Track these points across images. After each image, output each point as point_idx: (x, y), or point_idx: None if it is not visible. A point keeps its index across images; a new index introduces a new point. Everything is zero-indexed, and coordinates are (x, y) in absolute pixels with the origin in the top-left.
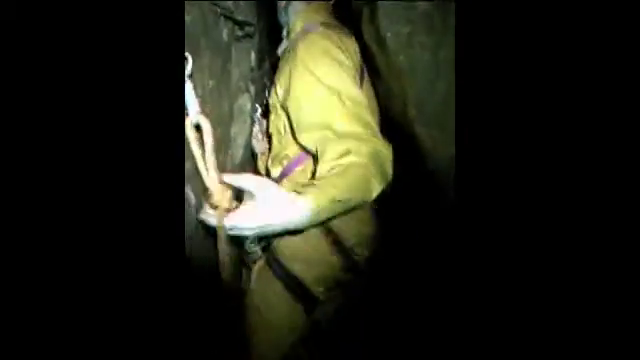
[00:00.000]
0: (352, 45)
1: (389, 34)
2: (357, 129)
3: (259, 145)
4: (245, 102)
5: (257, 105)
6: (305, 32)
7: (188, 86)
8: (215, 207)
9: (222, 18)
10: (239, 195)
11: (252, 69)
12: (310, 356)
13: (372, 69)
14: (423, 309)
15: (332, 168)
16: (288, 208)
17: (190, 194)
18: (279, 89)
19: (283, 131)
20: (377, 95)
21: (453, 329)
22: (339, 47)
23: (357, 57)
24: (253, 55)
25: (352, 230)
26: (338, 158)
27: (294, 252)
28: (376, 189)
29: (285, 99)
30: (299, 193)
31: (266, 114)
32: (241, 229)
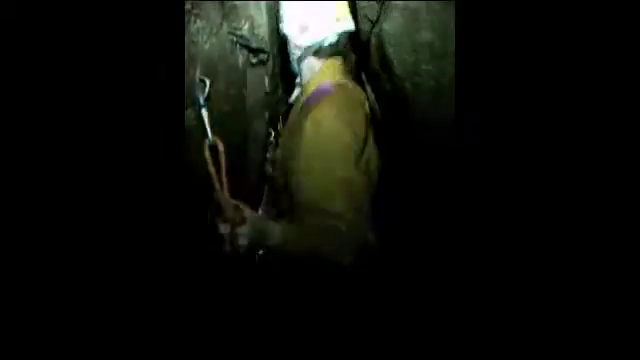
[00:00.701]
0: (361, 114)
1: (395, 62)
2: (351, 215)
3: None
4: (260, 126)
5: (271, 130)
6: (319, 94)
7: (204, 110)
8: (228, 222)
9: (238, 46)
10: None
11: (266, 94)
12: None
13: (379, 95)
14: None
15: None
16: (265, 229)
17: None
18: (286, 147)
19: (281, 189)
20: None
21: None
22: (349, 125)
23: (366, 122)
24: (267, 81)
25: None
26: (334, 217)
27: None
28: (347, 257)
29: (288, 166)
30: (277, 221)
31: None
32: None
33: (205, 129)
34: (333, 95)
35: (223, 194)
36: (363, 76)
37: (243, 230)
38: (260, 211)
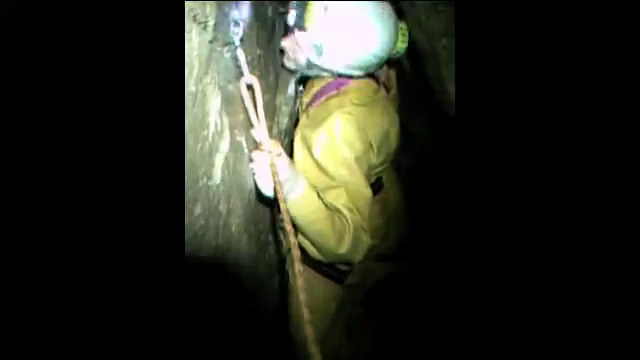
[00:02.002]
0: (379, 107)
1: (428, 22)
2: (355, 211)
3: None
4: (287, 77)
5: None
6: (337, 88)
7: (240, 50)
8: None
9: None
10: None
11: None
12: (350, 327)
13: (413, 55)
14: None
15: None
16: (296, 172)
17: (244, 143)
18: (302, 132)
19: None
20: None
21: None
22: (362, 133)
23: (382, 113)
24: None
25: None
26: (336, 203)
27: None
28: (343, 247)
29: (304, 155)
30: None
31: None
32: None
33: (241, 68)
34: (351, 96)
35: (260, 127)
36: None
37: (282, 162)
38: None
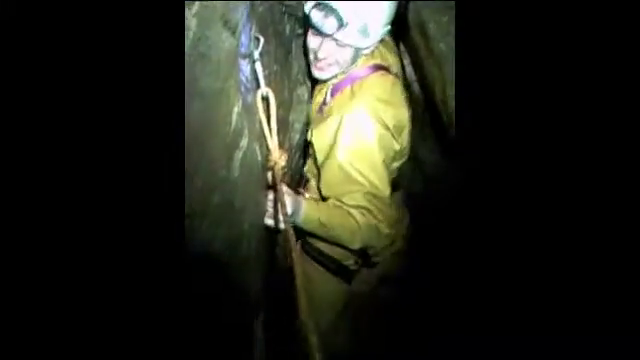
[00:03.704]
0: (396, 97)
1: (430, 23)
2: (368, 212)
3: None
4: (303, 92)
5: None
6: (351, 83)
7: (258, 63)
8: (273, 163)
9: (286, 15)
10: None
11: (308, 65)
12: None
13: (415, 55)
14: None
15: (340, 207)
16: (292, 205)
17: (257, 150)
18: (320, 138)
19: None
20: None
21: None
22: (382, 124)
23: (403, 106)
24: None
25: None
26: (353, 207)
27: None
28: (356, 244)
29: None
30: (304, 199)
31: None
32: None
33: (258, 81)
34: (370, 92)
35: (271, 138)
36: (401, 45)
37: (287, 201)
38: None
